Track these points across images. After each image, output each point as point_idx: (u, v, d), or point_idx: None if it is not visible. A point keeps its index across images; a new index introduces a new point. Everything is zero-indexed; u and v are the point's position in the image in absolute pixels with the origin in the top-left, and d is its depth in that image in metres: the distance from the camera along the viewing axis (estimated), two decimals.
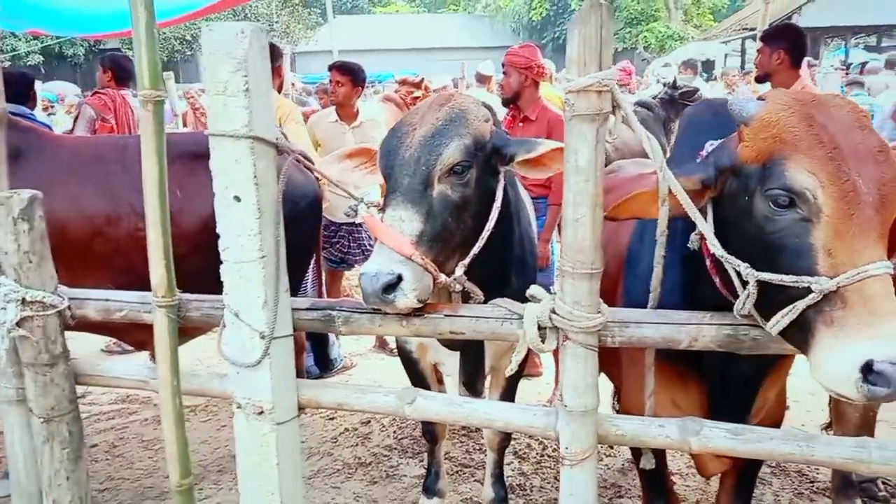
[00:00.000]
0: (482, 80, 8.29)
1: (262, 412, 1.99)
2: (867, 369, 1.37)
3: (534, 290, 1.85)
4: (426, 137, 1.98)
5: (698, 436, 1.82)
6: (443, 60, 16.13)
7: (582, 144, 1.65)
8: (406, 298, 1.84)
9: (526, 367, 4.31)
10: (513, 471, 3.65)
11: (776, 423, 2.23)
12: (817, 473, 3.56)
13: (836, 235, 1.48)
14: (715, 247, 1.66)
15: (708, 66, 25.43)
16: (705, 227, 1.69)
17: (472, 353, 2.49)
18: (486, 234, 2.05)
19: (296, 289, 3.77)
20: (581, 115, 1.64)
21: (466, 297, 2.12)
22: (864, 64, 11.06)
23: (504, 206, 2.14)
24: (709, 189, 1.71)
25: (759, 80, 4.32)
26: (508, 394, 2.84)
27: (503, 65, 4.58)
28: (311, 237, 3.66)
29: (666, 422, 1.87)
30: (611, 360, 2.36)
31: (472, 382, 2.54)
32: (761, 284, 1.59)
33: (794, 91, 1.70)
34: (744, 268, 1.60)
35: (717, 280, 1.76)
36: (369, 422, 4.23)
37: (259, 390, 1.97)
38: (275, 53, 4.89)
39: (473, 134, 2.01)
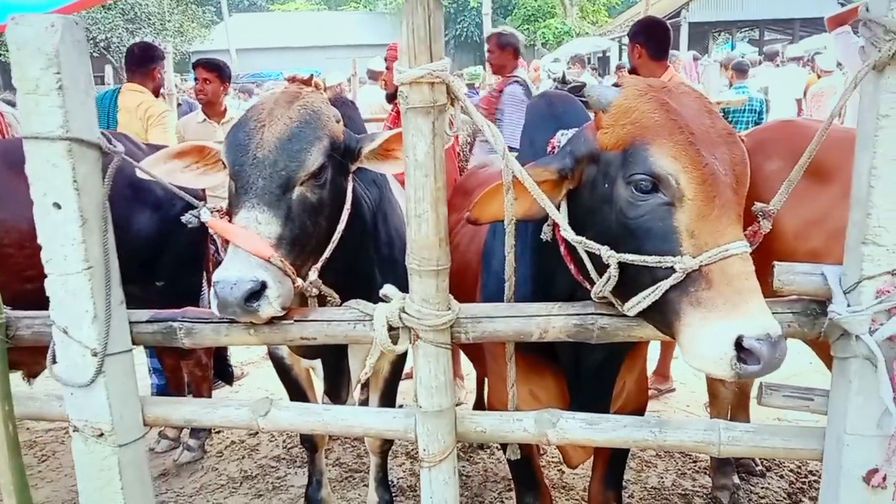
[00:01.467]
0: (373, 76, 8.20)
1: (101, 434, 1.85)
2: (738, 347, 1.38)
3: (387, 289, 1.79)
4: (283, 139, 1.88)
5: (555, 427, 1.81)
6: (344, 58, 15.86)
7: (418, 138, 1.60)
8: (271, 307, 1.74)
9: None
10: (404, 472, 3.60)
11: (639, 409, 2.26)
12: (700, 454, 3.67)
13: (699, 217, 1.49)
14: (568, 232, 1.64)
15: (604, 61, 26.25)
16: (558, 215, 1.66)
17: (332, 359, 2.41)
18: (337, 235, 1.97)
19: (196, 297, 3.59)
20: (415, 108, 1.59)
21: (323, 302, 2.04)
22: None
23: (356, 206, 2.08)
24: (566, 179, 1.69)
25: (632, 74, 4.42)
26: (387, 396, 2.77)
27: (385, 59, 4.52)
28: (198, 241, 3.47)
29: (523, 415, 1.86)
30: (477, 353, 2.34)
31: (335, 389, 2.46)
32: (623, 269, 1.58)
33: (647, 78, 1.71)
34: (604, 251, 1.58)
35: (572, 268, 1.75)
36: (257, 433, 4.08)
37: (96, 411, 1.83)
38: (153, 54, 4.67)
39: (330, 136, 1.94)
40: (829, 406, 1.68)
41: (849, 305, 1.55)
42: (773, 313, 1.66)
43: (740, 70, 8.41)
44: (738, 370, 1.38)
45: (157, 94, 4.65)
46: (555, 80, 8.72)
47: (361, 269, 2.25)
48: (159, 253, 3.16)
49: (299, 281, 1.83)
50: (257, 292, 1.71)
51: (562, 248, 1.75)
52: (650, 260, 1.50)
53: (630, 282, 1.56)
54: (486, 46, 5.42)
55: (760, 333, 1.36)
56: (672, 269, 1.47)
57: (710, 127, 1.54)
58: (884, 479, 1.57)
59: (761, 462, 3.49)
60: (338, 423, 1.93)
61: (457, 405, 1.89)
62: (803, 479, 3.43)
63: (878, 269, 1.51)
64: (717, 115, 1.58)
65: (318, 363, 2.53)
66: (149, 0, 27.44)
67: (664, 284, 1.48)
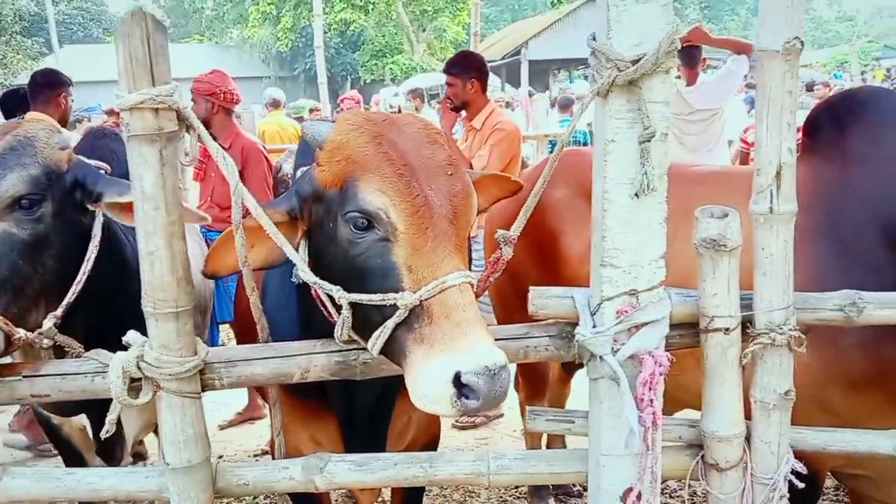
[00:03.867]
0: None
1: None
2: (458, 383, 1.34)
3: (129, 335, 1.62)
4: None
5: (322, 473, 1.71)
6: (188, 91, 15.13)
7: (144, 168, 1.47)
8: None
9: None
10: None
11: (431, 441, 2.21)
12: None
13: (414, 251, 1.46)
14: (306, 273, 1.57)
15: None
16: (295, 255, 1.59)
17: (98, 415, 2.18)
18: (81, 278, 1.79)
19: None
20: (138, 136, 1.45)
21: (64, 353, 1.83)
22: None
23: (111, 247, 1.89)
24: (298, 220, 1.63)
25: (456, 109, 4.45)
26: None
27: (191, 91, 4.32)
28: None
29: (289, 463, 1.74)
30: None
31: (107, 449, 2.22)
32: (356, 308, 1.53)
33: (365, 112, 1.68)
34: (335, 290, 1.53)
35: (323, 310, 1.67)
36: None
37: None
38: (56, 80, 4.42)
39: (43, 163, 1.75)
40: (588, 428, 1.69)
41: (595, 327, 1.57)
42: (530, 337, 1.69)
43: (565, 105, 8.87)
44: (460, 407, 1.34)
45: (63, 122, 4.31)
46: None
47: (125, 316, 2.05)
48: None
49: (20, 332, 1.62)
50: None
51: (313, 290, 1.68)
52: (375, 298, 1.46)
53: (365, 321, 1.51)
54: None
55: (478, 368, 1.32)
56: (396, 307, 1.43)
57: (428, 158, 1.52)
58: (638, 496, 1.59)
59: (578, 484, 3.56)
60: (83, 488, 1.72)
61: None
62: None
63: (616, 290, 1.54)
64: (440, 147, 1.57)
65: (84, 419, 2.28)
66: None
67: (389, 323, 1.44)
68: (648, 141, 1.46)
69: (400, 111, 7.97)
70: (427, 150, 1.54)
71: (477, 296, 1.53)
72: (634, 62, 1.42)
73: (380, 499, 3.07)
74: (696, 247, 1.56)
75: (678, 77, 6.12)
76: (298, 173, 1.99)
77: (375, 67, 31.54)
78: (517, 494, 3.58)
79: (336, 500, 3.39)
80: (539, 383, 3.29)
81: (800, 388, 1.96)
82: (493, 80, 25.25)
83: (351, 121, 1.58)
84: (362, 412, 1.88)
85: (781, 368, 1.59)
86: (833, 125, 2.15)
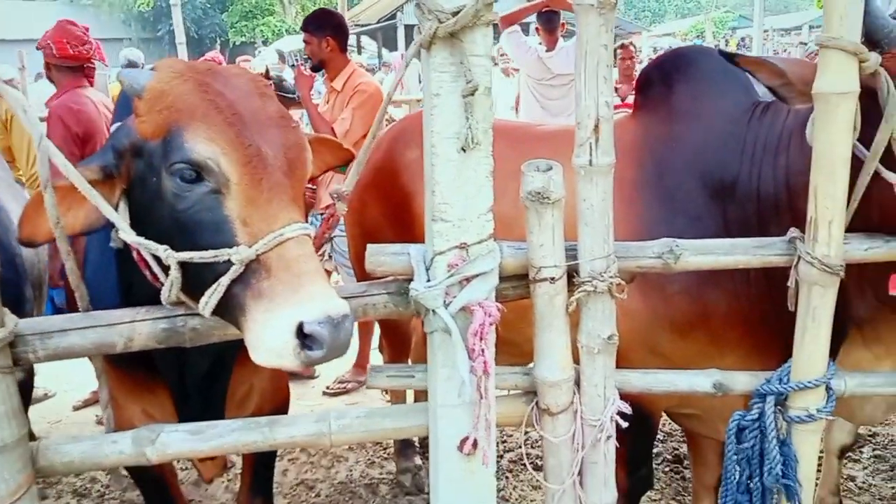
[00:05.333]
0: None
1: None
2: (301, 334, 1.31)
3: None
4: None
5: (154, 444, 1.64)
6: None
7: None
8: None
9: None
10: None
11: (279, 407, 2.17)
12: (390, 441, 3.70)
13: (249, 203, 1.42)
14: (126, 234, 1.49)
15: None
16: (114, 215, 1.51)
17: None
18: None
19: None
20: None
21: None
22: None
23: None
24: (115, 177, 1.53)
25: (315, 69, 4.34)
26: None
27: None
28: None
29: (119, 436, 1.66)
30: None
31: None
32: (186, 268, 1.46)
33: (190, 61, 1.60)
34: (162, 251, 1.45)
35: (147, 273, 1.59)
36: None
37: None
38: None
39: None
40: (427, 381, 1.71)
41: (428, 281, 1.58)
42: (368, 294, 1.68)
43: None
44: (304, 358, 1.32)
45: None
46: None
47: None
48: None
49: None
50: None
51: (135, 253, 1.58)
52: (207, 255, 1.40)
53: (197, 281, 1.45)
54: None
55: (320, 316, 1.31)
56: (230, 262, 1.38)
57: (259, 109, 1.48)
58: (474, 445, 1.63)
59: None
60: None
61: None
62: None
63: (446, 243, 1.56)
64: (270, 99, 1.52)
65: None
66: None
67: (224, 280, 1.39)
68: (472, 95, 1.46)
69: (268, 74, 7.69)
70: (257, 101, 1.49)
71: (315, 250, 1.51)
72: (455, 14, 1.42)
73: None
74: (523, 200, 1.59)
75: (540, 43, 6.25)
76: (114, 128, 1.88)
77: (245, 29, 30.27)
78: (385, 455, 3.62)
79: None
80: (401, 343, 3.31)
81: (633, 334, 2.08)
82: (370, 44, 24.87)
83: (173, 68, 1.50)
84: (196, 381, 1.81)
85: (604, 314, 1.66)
86: (662, 82, 2.25)
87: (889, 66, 1.56)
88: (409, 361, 3.39)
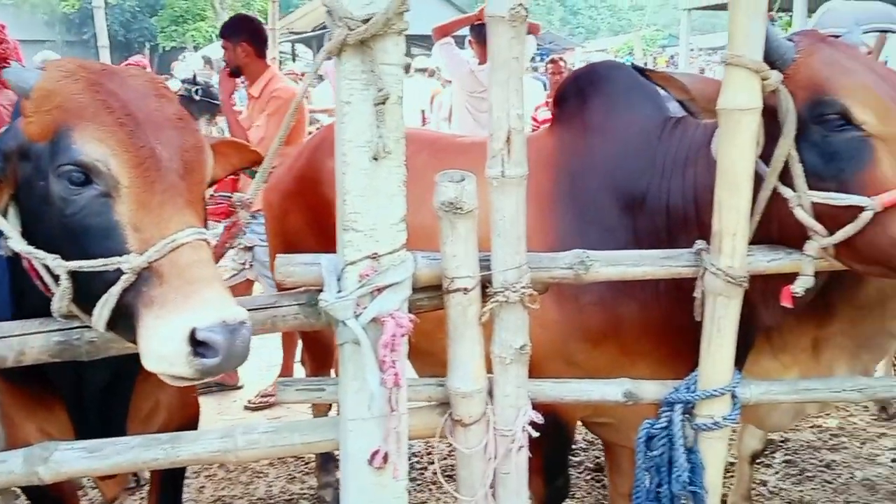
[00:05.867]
0: None
1: None
2: (195, 341, 1.26)
3: None
4: None
5: (47, 463, 1.56)
6: None
7: None
8: None
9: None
10: None
11: (188, 422, 2.09)
12: (311, 456, 3.63)
13: (140, 207, 1.36)
14: (15, 242, 1.41)
15: None
16: (3, 223, 1.42)
17: None
18: None
19: None
20: None
21: None
22: None
23: None
24: (2, 182, 1.45)
25: (233, 74, 4.27)
26: None
27: None
28: None
29: (9, 455, 1.57)
30: None
31: None
32: (79, 276, 1.39)
33: (81, 60, 1.53)
34: (51, 259, 1.38)
35: (39, 284, 1.51)
36: None
37: None
38: None
39: None
40: (338, 394, 1.68)
41: (339, 292, 1.56)
42: (278, 306, 1.64)
43: None
44: (198, 366, 1.27)
45: None
46: (183, 81, 8.30)
47: None
48: None
49: None
50: None
51: (25, 262, 1.50)
52: (96, 264, 1.34)
53: (88, 292, 1.39)
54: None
55: (214, 322, 1.26)
56: (121, 271, 1.32)
57: (154, 110, 1.43)
58: (385, 458, 1.61)
59: None
60: None
61: None
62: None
63: (358, 253, 1.53)
64: (168, 100, 1.48)
65: None
66: None
67: (115, 290, 1.33)
68: (383, 103, 1.45)
69: (195, 80, 7.52)
70: (153, 102, 1.44)
71: (216, 258, 1.46)
72: (365, 21, 1.41)
73: None
74: (436, 210, 1.58)
75: (473, 56, 6.31)
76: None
77: (176, 34, 29.53)
78: (306, 470, 3.54)
79: None
80: (324, 355, 3.25)
81: (549, 344, 2.10)
82: (306, 53, 24.60)
83: (63, 67, 1.43)
84: (94, 397, 1.72)
85: (517, 325, 1.67)
86: (577, 97, 2.28)
87: (788, 85, 1.61)
88: (333, 374, 3.33)
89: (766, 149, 1.65)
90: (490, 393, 1.72)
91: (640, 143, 2.11)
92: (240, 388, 4.48)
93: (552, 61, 6.93)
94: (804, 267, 1.65)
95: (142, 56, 10.01)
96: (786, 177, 1.64)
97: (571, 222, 2.10)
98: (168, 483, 2.10)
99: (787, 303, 1.67)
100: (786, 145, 1.60)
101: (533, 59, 13.71)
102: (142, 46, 31.75)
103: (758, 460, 3.45)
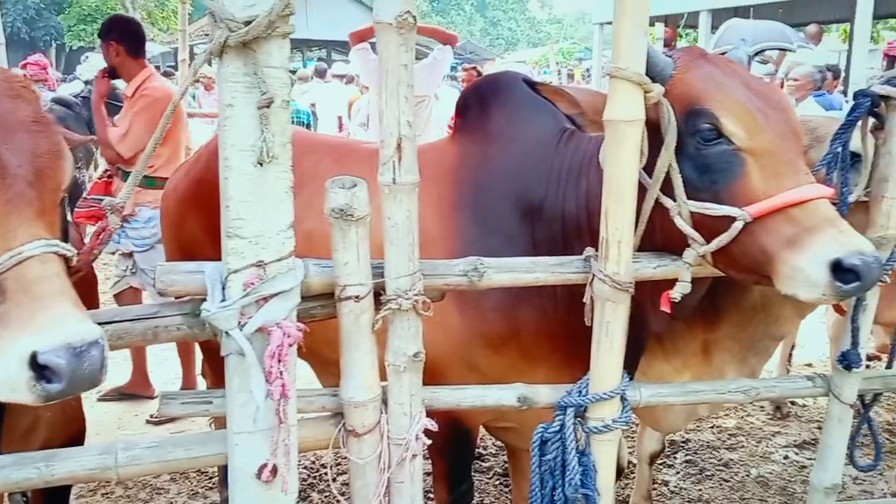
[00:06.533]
0: None
1: None
2: (36, 365, 1.19)
3: None
4: None
5: None
6: None
7: None
8: None
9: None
10: None
11: (73, 439, 1.99)
12: (215, 471, 3.51)
13: None
14: None
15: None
16: None
17: None
18: None
19: None
20: None
21: None
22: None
23: None
24: None
25: (111, 76, 4.15)
26: None
27: None
28: None
29: None
30: None
31: None
32: None
33: None
34: None
35: None
36: None
37: None
38: None
39: None
40: (226, 407, 1.63)
41: (223, 301, 1.51)
42: (160, 316, 1.58)
43: None
44: (41, 392, 1.20)
45: None
46: (86, 82, 7.94)
47: None
48: None
49: None
50: None
51: None
52: None
53: None
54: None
55: (57, 345, 1.19)
56: None
57: (7, 113, 1.37)
58: (273, 471, 1.57)
59: None
60: None
61: None
62: (315, 474, 3.54)
63: (242, 261, 1.49)
64: (24, 101, 1.42)
65: None
66: None
67: None
68: (267, 107, 1.42)
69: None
70: (5, 104, 1.37)
71: (77, 271, 1.39)
72: (247, 23, 1.37)
73: None
74: (327, 216, 1.56)
75: None
76: None
77: (84, 33, 28.32)
78: (209, 485, 3.44)
79: None
80: (223, 367, 3.15)
81: (451, 350, 2.10)
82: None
83: None
84: None
85: (410, 332, 1.66)
86: (478, 106, 2.30)
87: (670, 99, 1.67)
88: None
89: (650, 159, 1.70)
90: (385, 401, 1.71)
91: (539, 153, 2.15)
92: (154, 398, 4.32)
93: (465, 70, 7.00)
94: (682, 273, 1.71)
95: (42, 55, 9.50)
96: (668, 187, 1.69)
97: (473, 230, 2.11)
98: (55, 497, 1.99)
99: (665, 308, 1.73)
100: (667, 157, 1.65)
101: (454, 69, 13.84)
102: (47, 45, 30.37)
103: (659, 461, 3.57)
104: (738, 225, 1.56)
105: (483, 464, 3.64)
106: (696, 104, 1.64)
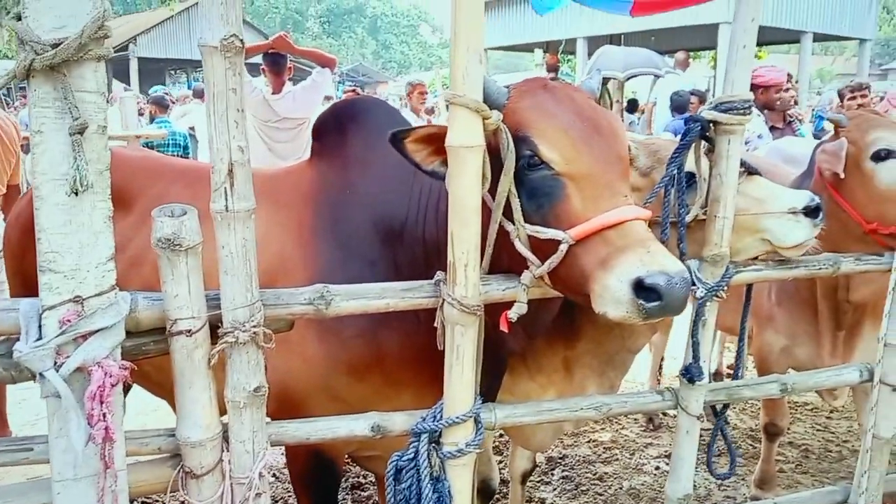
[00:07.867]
0: None
1: None
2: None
3: None
4: None
5: None
6: None
7: None
8: None
9: None
10: None
11: None
12: None
13: None
14: None
15: None
16: None
17: None
18: None
19: None
20: None
21: None
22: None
23: None
24: None
25: None
26: None
27: None
28: None
29: None
30: None
31: None
32: None
33: None
34: None
35: None
36: None
37: None
38: None
39: None
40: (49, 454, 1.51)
41: (38, 340, 1.40)
42: None
43: (161, 105, 8.38)
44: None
45: None
46: None
47: None
48: None
49: None
50: None
51: None
52: None
53: None
54: None
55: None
56: None
57: None
58: None
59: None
60: None
61: None
62: None
63: (58, 297, 1.40)
64: None
65: None
66: None
67: None
68: (80, 133, 1.33)
69: None
70: None
71: None
72: (55, 45, 1.29)
73: None
74: (154, 247, 1.48)
75: (266, 84, 6.18)
76: None
77: None
78: None
79: None
80: None
81: (312, 380, 2.04)
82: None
83: None
84: None
85: (250, 366, 1.59)
86: (337, 130, 2.27)
87: (507, 125, 1.69)
88: None
89: (493, 184, 1.73)
90: (227, 439, 1.63)
91: (398, 177, 2.13)
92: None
93: (346, 92, 6.97)
94: (518, 295, 1.73)
95: None
96: (509, 211, 1.72)
97: (334, 255, 2.07)
98: None
99: (504, 328, 1.74)
100: (506, 182, 1.67)
101: (338, 88, 13.81)
102: None
103: (537, 478, 3.61)
104: (563, 247, 1.59)
105: (362, 493, 3.57)
106: (521, 132, 1.68)
